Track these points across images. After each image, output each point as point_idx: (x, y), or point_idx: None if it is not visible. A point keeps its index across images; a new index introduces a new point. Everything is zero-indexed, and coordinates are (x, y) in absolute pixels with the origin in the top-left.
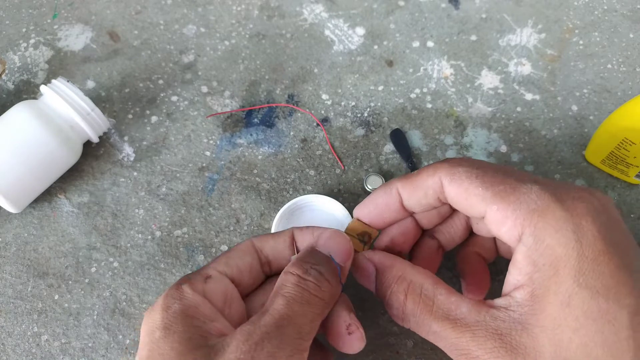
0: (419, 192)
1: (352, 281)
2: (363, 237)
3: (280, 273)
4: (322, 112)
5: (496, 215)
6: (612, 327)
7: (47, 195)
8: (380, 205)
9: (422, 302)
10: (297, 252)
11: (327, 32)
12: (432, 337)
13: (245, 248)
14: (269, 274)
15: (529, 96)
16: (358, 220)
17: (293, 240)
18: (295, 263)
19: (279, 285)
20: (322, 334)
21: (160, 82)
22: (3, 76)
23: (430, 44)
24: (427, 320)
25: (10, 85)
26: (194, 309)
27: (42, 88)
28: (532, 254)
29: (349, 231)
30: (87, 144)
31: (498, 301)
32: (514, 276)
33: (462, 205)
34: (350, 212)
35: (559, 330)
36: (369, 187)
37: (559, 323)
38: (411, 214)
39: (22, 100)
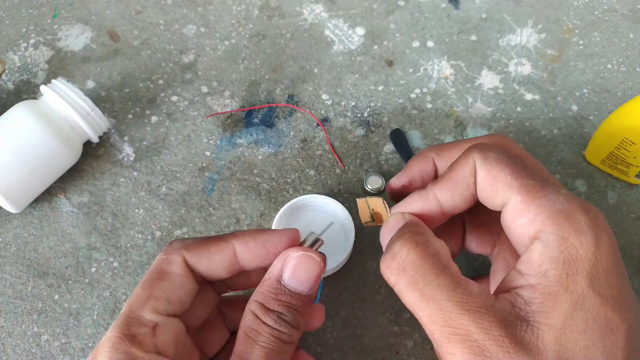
0: (459, 187)
1: (351, 281)
2: (373, 216)
3: (210, 282)
4: (322, 112)
5: (519, 206)
6: (613, 336)
7: (47, 195)
8: (423, 217)
9: (431, 262)
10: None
11: (327, 32)
12: (423, 304)
13: (182, 271)
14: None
15: (529, 96)
16: (384, 202)
17: (235, 260)
18: (262, 309)
19: (250, 330)
20: None
21: (160, 82)
22: (3, 76)
23: (430, 44)
24: (428, 282)
25: (10, 85)
26: None
27: (42, 88)
28: (551, 251)
29: (369, 203)
30: (87, 144)
31: (504, 296)
32: (523, 274)
33: (487, 192)
34: (351, 212)
35: (567, 330)
36: (368, 187)
37: (569, 323)
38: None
39: (22, 100)
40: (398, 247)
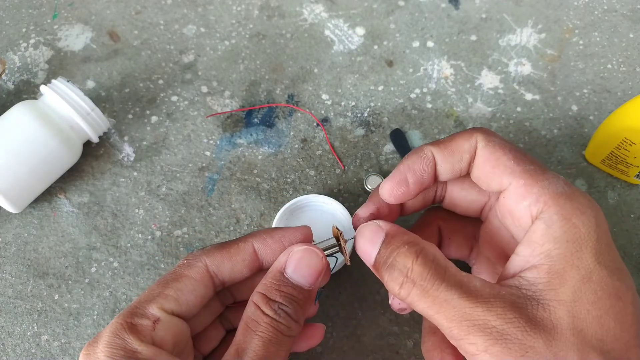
0: (455, 156)
1: (351, 281)
2: (339, 241)
3: (232, 287)
4: (322, 112)
5: (521, 189)
6: (622, 303)
7: (47, 195)
8: (417, 172)
9: (433, 267)
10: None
11: (327, 32)
12: (436, 307)
13: (199, 276)
14: (221, 289)
15: (529, 96)
16: (342, 235)
17: (255, 257)
18: (263, 299)
19: (250, 320)
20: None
21: (160, 82)
22: (3, 76)
23: (430, 44)
24: (437, 287)
25: (10, 85)
26: None
27: (42, 88)
28: (554, 231)
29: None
30: (87, 144)
31: (508, 282)
32: (525, 257)
33: (486, 172)
34: (351, 212)
35: (578, 303)
36: (369, 187)
37: (579, 296)
38: (435, 182)
39: (22, 100)
40: (402, 263)
